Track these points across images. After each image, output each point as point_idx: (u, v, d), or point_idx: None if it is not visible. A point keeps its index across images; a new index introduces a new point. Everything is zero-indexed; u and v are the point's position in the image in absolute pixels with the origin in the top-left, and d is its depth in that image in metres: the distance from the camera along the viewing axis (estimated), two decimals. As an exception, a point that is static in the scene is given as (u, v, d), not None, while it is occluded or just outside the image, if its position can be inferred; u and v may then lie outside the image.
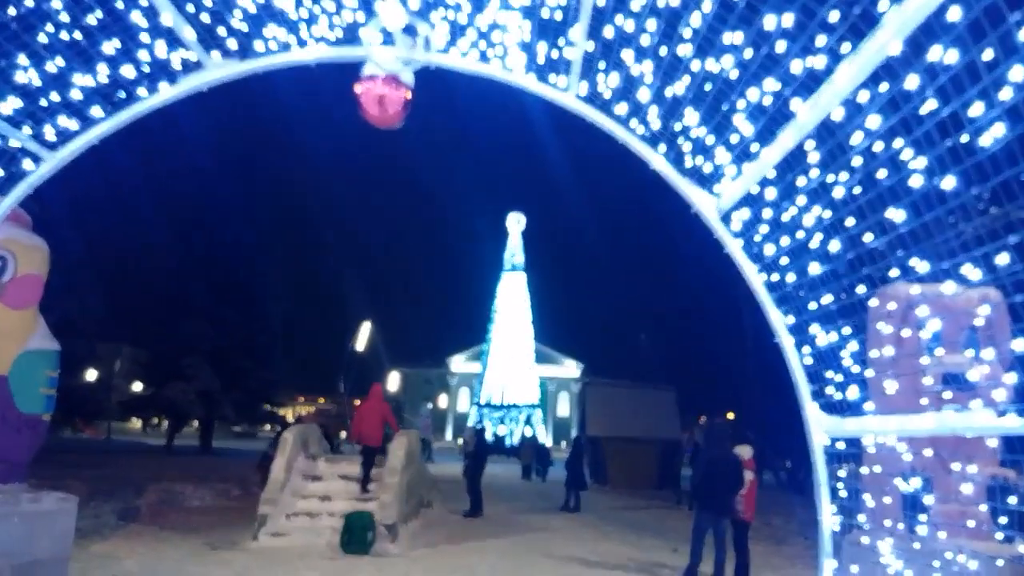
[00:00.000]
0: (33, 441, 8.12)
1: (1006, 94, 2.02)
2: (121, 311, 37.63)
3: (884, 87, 2.38)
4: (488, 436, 27.07)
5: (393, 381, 68.89)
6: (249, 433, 59.31)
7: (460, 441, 36.99)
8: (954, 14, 2.02)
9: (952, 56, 2.12)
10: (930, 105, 2.26)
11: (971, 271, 2.29)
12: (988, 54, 2.02)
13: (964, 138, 2.17)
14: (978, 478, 4.32)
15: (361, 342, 39.21)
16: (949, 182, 2.27)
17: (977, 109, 2.13)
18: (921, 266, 2.48)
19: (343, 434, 19.37)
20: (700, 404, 38.84)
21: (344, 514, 12.51)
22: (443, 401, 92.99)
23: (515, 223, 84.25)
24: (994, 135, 2.08)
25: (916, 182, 2.39)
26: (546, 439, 58.45)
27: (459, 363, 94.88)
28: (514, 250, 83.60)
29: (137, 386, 45.19)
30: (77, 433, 40.92)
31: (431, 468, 20.19)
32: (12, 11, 2.90)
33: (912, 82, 2.28)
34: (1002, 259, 2.11)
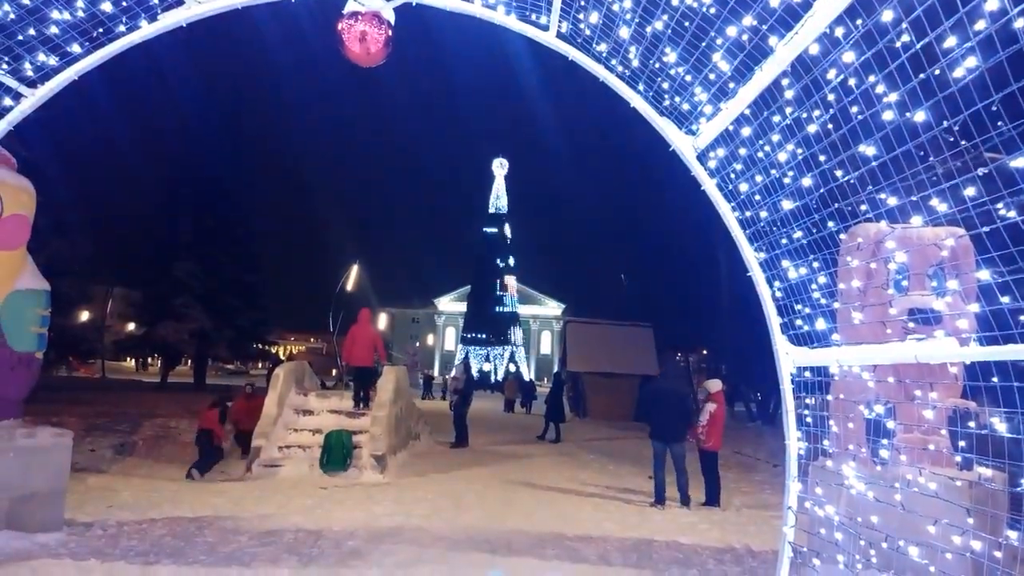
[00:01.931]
0: (27, 379, 8.21)
1: (980, 25, 2.05)
2: (112, 252, 37.54)
3: (860, 21, 2.41)
4: (474, 372, 27.53)
5: (381, 321, 69.40)
6: (241, 371, 59.98)
7: (451, 376, 37.61)
8: None
9: None
10: (904, 38, 2.30)
11: (939, 204, 2.38)
12: None
13: (936, 72, 2.21)
14: (940, 407, 4.51)
15: (350, 283, 39.40)
16: (920, 116, 2.33)
17: (951, 42, 2.17)
18: (890, 200, 2.56)
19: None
20: (677, 341, 39.55)
21: (326, 432, 13.04)
22: (430, 340, 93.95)
23: (499, 168, 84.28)
24: (967, 67, 2.12)
25: (888, 116, 2.44)
26: (529, 375, 59.46)
27: (446, 303, 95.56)
28: (498, 193, 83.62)
29: (130, 326, 45.34)
30: (71, 372, 41.18)
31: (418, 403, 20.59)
32: (-16, -57, 2.85)
33: (887, 15, 2.31)
34: (969, 192, 2.18)
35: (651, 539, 9.09)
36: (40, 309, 8.37)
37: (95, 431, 15.35)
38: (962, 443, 2.89)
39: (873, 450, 4.73)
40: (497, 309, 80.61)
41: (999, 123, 1.98)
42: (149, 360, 57.18)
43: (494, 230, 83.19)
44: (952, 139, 2.21)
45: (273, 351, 51.06)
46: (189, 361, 43.94)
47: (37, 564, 6.74)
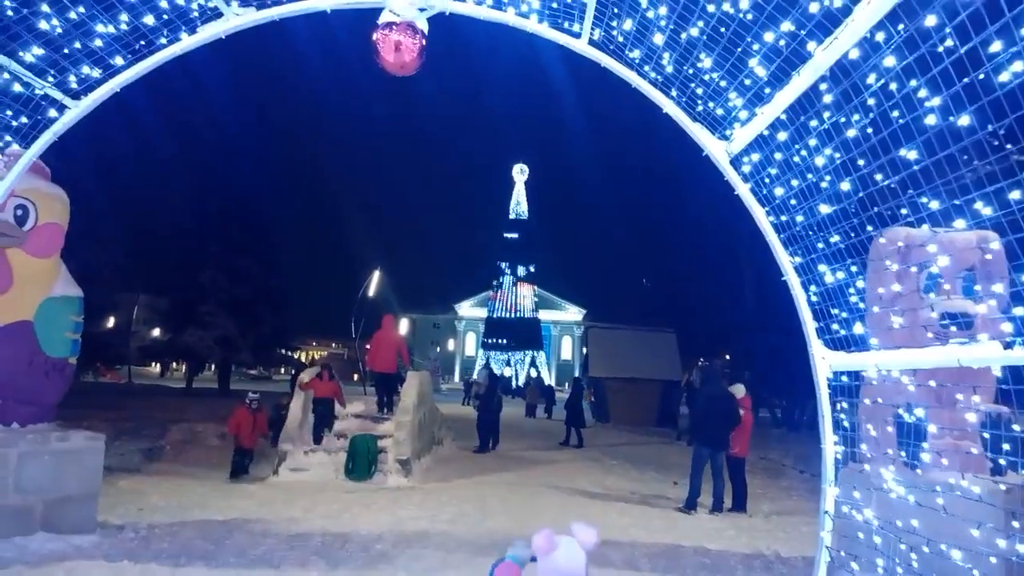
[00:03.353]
0: (60, 384, 8.38)
1: None
2: (139, 260, 38.06)
3: (901, 26, 2.41)
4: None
5: (403, 326, 69.75)
6: (265, 376, 60.48)
7: (473, 380, 37.80)
8: None
9: None
10: (947, 43, 2.29)
11: (983, 208, 2.36)
12: None
13: (981, 76, 2.21)
14: (975, 411, 4.47)
15: (372, 289, 39.66)
16: (964, 120, 2.32)
17: (996, 46, 2.17)
18: (932, 204, 2.55)
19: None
20: (701, 347, 39.40)
21: (351, 436, 13.12)
22: (451, 345, 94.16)
23: (519, 174, 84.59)
24: (1013, 71, 2.12)
25: (931, 121, 2.44)
26: (550, 381, 59.44)
27: (466, 309, 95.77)
28: (518, 199, 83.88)
29: (155, 332, 45.96)
30: (98, 378, 41.78)
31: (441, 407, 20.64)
32: (35, -40, 2.95)
33: (931, 20, 2.31)
34: (1015, 195, 2.17)
35: (678, 544, 9.05)
36: (74, 315, 8.54)
37: (124, 435, 15.57)
38: (1006, 446, 2.86)
39: (909, 454, 4.71)
40: (517, 315, 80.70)
41: None
42: (174, 365, 57.80)
43: (514, 236, 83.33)
44: (996, 143, 2.21)
45: (296, 356, 51.48)
46: (213, 367, 44.37)
47: (72, 565, 6.86)
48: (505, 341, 79.75)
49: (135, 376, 49.11)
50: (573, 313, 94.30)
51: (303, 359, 58.52)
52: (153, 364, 58.85)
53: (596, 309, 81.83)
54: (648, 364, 32.05)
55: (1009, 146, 2.14)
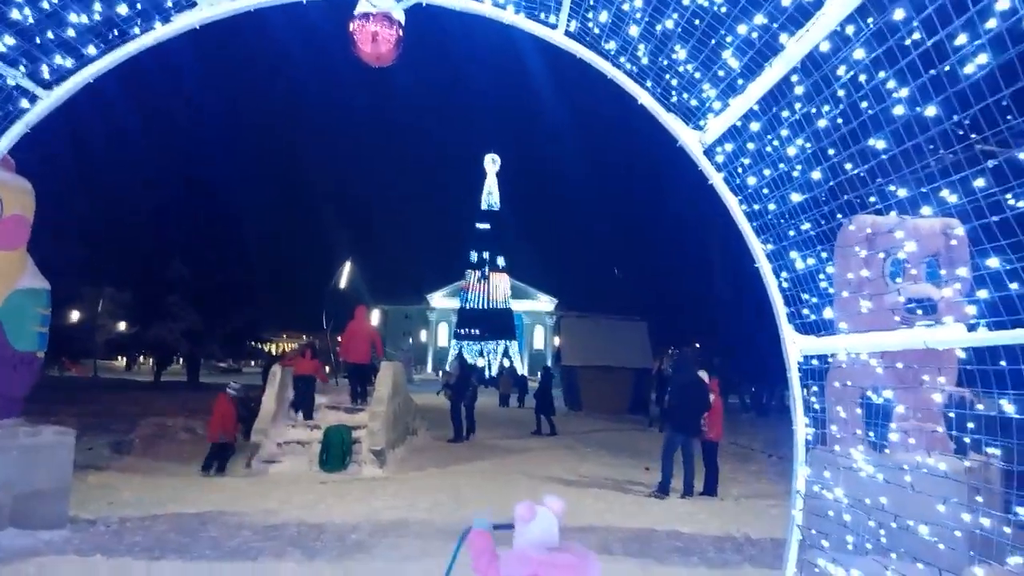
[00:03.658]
0: (28, 378, 8.24)
1: (992, 23, 2.14)
2: (102, 252, 37.35)
3: (871, 20, 2.48)
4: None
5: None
6: (235, 368, 59.82)
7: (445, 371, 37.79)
8: None
9: None
10: (915, 36, 2.38)
11: (948, 196, 2.46)
12: None
13: (947, 68, 2.29)
14: (938, 393, 4.62)
15: (343, 280, 39.40)
16: (930, 111, 2.41)
17: (961, 39, 2.26)
18: (900, 192, 2.64)
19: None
20: (672, 335, 39.81)
21: (325, 428, 13.07)
22: (423, 336, 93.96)
23: (491, 164, 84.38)
24: (978, 63, 2.21)
25: (898, 111, 2.53)
26: (523, 370, 59.60)
27: (438, 299, 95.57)
28: (490, 190, 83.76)
29: (121, 325, 45.20)
30: (63, 372, 41.08)
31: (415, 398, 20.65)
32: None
33: (899, 14, 2.39)
34: (979, 183, 2.27)
35: (652, 529, 9.19)
36: (41, 308, 8.39)
37: (92, 430, 15.33)
38: (970, 424, 2.98)
39: (877, 435, 4.86)
40: (489, 305, 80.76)
41: (1008, 117, 2.08)
42: (141, 359, 56.91)
43: (486, 226, 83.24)
44: (962, 132, 2.30)
45: (266, 349, 51.06)
46: (181, 360, 43.87)
47: (43, 561, 6.79)
48: (478, 331, 79.79)
49: (101, 370, 48.37)
50: (545, 303, 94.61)
51: (274, 351, 57.98)
52: (119, 358, 57.83)
53: (568, 299, 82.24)
54: (620, 352, 32.36)
55: (974, 135, 2.23)
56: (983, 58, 2.19)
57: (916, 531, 2.58)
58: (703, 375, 12.24)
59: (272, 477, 12.10)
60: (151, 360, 48.17)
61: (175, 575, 6.56)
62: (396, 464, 13.50)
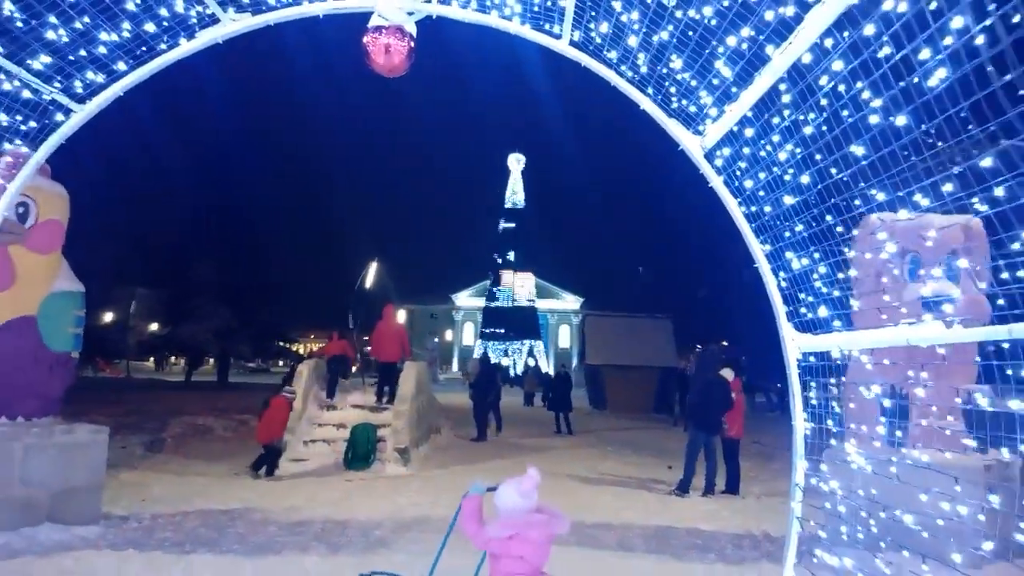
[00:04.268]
0: (64, 378, 8.56)
1: (948, 40, 2.25)
2: (134, 254, 38.17)
3: (846, 34, 2.60)
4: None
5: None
6: (263, 368, 60.55)
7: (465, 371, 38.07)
8: None
9: (903, 6, 2.36)
10: (885, 50, 2.50)
11: (921, 200, 2.57)
12: (933, 4, 2.25)
13: (915, 80, 2.40)
14: (954, 391, 4.67)
15: (369, 280, 39.85)
16: (901, 120, 2.52)
17: (925, 54, 2.37)
18: (879, 196, 2.75)
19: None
20: (698, 333, 39.66)
21: (352, 426, 13.27)
22: (449, 335, 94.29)
23: (515, 163, 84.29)
24: (939, 76, 2.32)
25: (874, 120, 2.64)
26: (548, 369, 59.61)
27: (464, 299, 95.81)
28: (514, 189, 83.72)
29: (153, 326, 46.08)
30: (97, 373, 41.94)
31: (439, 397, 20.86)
32: (41, -26, 3.12)
33: (870, 29, 2.51)
34: (947, 187, 2.38)
35: (671, 526, 9.25)
36: (76, 310, 8.71)
37: (125, 429, 15.71)
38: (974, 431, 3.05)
39: (893, 432, 4.93)
40: (514, 304, 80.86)
41: (969, 127, 2.18)
42: (173, 359, 57.91)
43: (511, 225, 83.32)
44: (931, 140, 2.40)
45: (294, 349, 51.71)
46: (211, 360, 44.59)
47: (79, 555, 7.04)
48: (503, 331, 79.93)
49: (133, 371, 49.31)
50: (571, 302, 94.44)
51: (301, 351, 58.67)
52: (150, 360, 58.91)
53: (594, 297, 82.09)
54: (644, 351, 32.23)
55: (940, 144, 2.33)
56: (942, 72, 2.29)
57: (931, 526, 2.67)
58: (728, 373, 12.25)
59: (299, 475, 12.34)
60: (182, 361, 49.04)
61: (204, 569, 6.76)
62: (420, 462, 13.69)
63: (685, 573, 7.36)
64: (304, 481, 11.86)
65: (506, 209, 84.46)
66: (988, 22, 2.04)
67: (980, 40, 2.10)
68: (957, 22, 2.19)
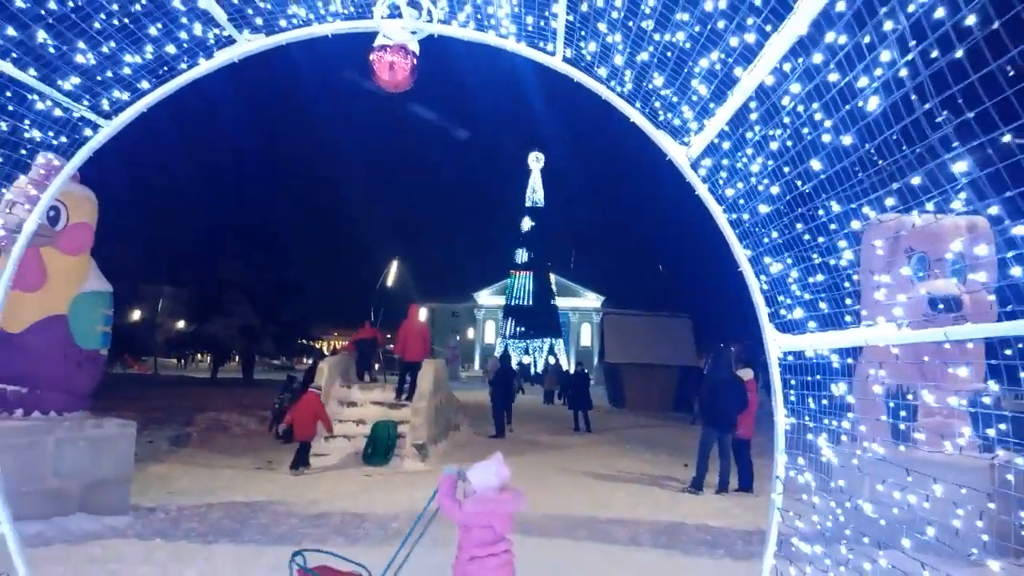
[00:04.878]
0: (93, 374, 8.92)
1: (879, 71, 2.45)
2: (161, 253, 38.97)
3: (800, 61, 2.79)
4: (513, 365, 27.97)
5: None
6: (287, 366, 61.30)
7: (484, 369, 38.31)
8: (841, 6, 2.46)
9: (842, 39, 2.55)
10: (832, 76, 2.69)
11: (870, 213, 2.76)
12: (866, 39, 2.44)
13: (858, 103, 2.59)
14: (961, 393, 4.80)
15: (391, 279, 40.26)
16: (847, 139, 2.72)
17: (863, 81, 2.56)
18: (835, 207, 2.94)
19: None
20: (721, 331, 39.50)
21: (373, 423, 13.58)
22: (470, 333, 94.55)
23: (535, 161, 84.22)
24: (875, 102, 2.51)
25: (827, 138, 2.83)
26: (569, 367, 59.68)
27: (485, 297, 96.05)
28: (534, 187, 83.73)
29: (179, 323, 46.93)
30: (126, 369, 42.84)
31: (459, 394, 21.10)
32: (71, 4, 3.39)
33: (818, 58, 2.70)
34: (889, 201, 2.57)
35: (682, 522, 9.41)
36: (105, 309, 9.07)
37: (152, 424, 16.18)
38: (1002, 427, 3.21)
39: (895, 431, 5.09)
40: (535, 302, 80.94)
41: (903, 148, 2.36)
42: (199, 356, 58.85)
43: (531, 223, 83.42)
44: (874, 158, 2.58)
45: (317, 346, 52.33)
46: (236, 357, 45.32)
47: (109, 543, 7.38)
48: (523, 329, 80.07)
49: (160, 367, 50.27)
50: (592, 300, 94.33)
51: (324, 349, 59.31)
52: (176, 358, 59.86)
53: (615, 295, 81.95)
54: (664, 350, 32.25)
55: (880, 161, 2.51)
56: (875, 100, 2.48)
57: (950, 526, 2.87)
58: (746, 373, 12.32)
59: (318, 470, 12.66)
60: (207, 358, 49.84)
61: (227, 558, 7.06)
62: (438, 458, 13.95)
63: (693, 567, 7.52)
64: (324, 475, 12.18)
65: (526, 208, 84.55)
66: (909, 56, 2.23)
67: (905, 72, 2.29)
68: (885, 55, 2.38)
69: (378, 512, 9.32)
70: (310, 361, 47.35)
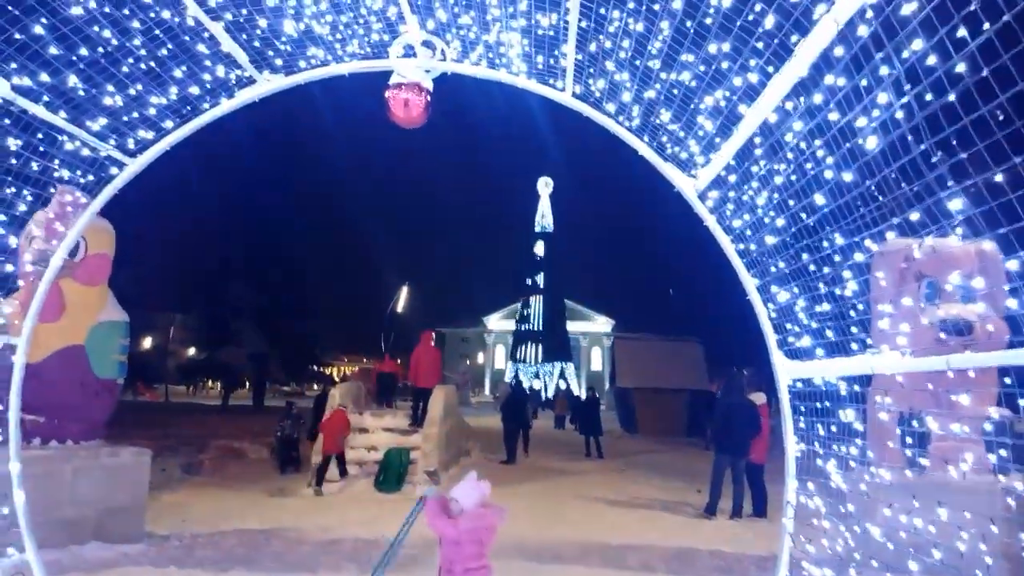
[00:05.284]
0: (109, 403, 9.02)
1: (876, 112, 2.55)
2: (171, 281, 39.30)
3: (802, 100, 2.90)
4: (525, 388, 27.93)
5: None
6: (297, 392, 61.39)
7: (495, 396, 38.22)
8: (839, 51, 2.56)
9: (841, 81, 2.66)
10: (832, 116, 2.79)
11: (872, 245, 2.85)
12: (864, 82, 2.55)
13: (859, 142, 2.69)
14: (975, 416, 4.84)
15: (400, 304, 40.43)
16: (848, 176, 2.81)
17: (861, 121, 2.67)
18: (838, 240, 3.03)
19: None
20: (729, 355, 39.34)
21: (386, 450, 13.65)
22: (480, 358, 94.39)
23: (544, 187, 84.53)
24: (873, 142, 2.61)
25: (829, 174, 2.92)
26: (580, 392, 59.38)
27: (495, 321, 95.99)
28: (543, 212, 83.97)
29: (190, 351, 47.17)
30: (137, 397, 42.98)
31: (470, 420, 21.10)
32: (101, 50, 3.55)
33: (818, 98, 2.81)
34: (890, 235, 2.67)
35: (695, 548, 9.34)
36: (121, 338, 9.19)
37: (165, 452, 16.22)
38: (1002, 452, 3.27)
39: (911, 458, 5.14)
40: (545, 327, 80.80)
41: (902, 184, 2.45)
42: (209, 383, 59.06)
43: (541, 248, 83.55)
44: (874, 194, 2.67)
45: (327, 372, 52.45)
46: (247, 383, 45.49)
47: (123, 571, 7.42)
48: (534, 353, 79.89)
49: (171, 395, 50.43)
50: (602, 323, 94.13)
51: (335, 375, 59.36)
52: (187, 386, 60.04)
53: (625, 320, 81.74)
54: (675, 374, 32.07)
55: (881, 197, 2.60)
56: (872, 140, 2.58)
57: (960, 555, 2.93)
58: (759, 397, 12.28)
59: (331, 496, 12.68)
60: (217, 384, 50.05)
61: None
62: (449, 484, 13.90)
63: (705, 593, 7.50)
64: (337, 501, 12.20)
65: (536, 232, 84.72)
66: (905, 99, 2.32)
67: (902, 114, 2.39)
68: (882, 98, 2.48)
69: (390, 538, 9.29)
70: (320, 387, 47.47)
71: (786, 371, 3.53)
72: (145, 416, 26.69)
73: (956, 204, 2.25)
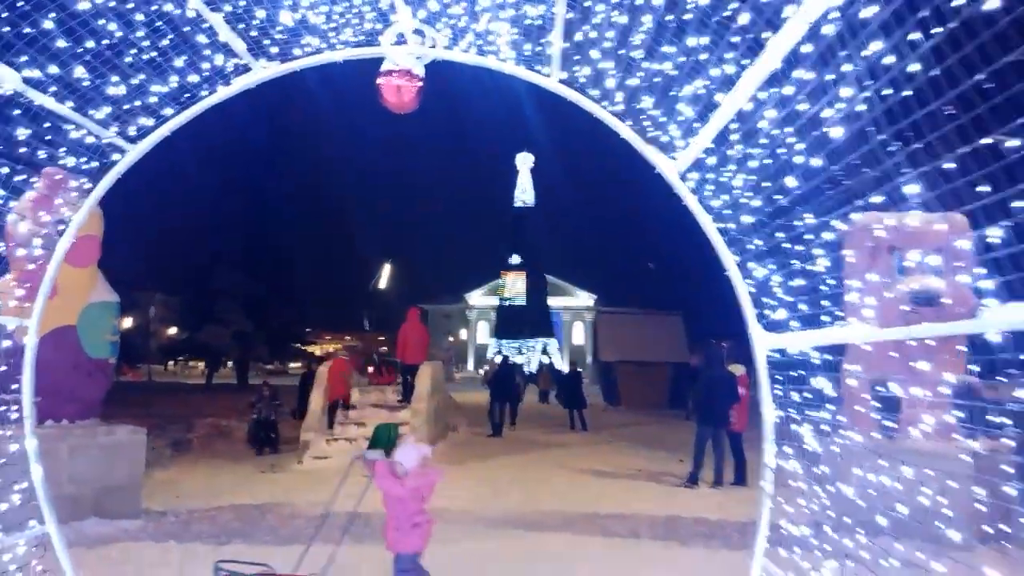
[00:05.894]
0: (103, 382, 9.15)
1: (841, 105, 2.76)
2: (152, 260, 39.08)
3: (774, 90, 3.09)
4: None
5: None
6: (281, 370, 61.35)
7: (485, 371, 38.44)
8: (807, 48, 2.77)
9: (810, 75, 2.86)
10: (802, 105, 3.00)
11: (840, 225, 3.08)
12: (830, 76, 2.75)
13: (826, 130, 2.90)
14: (944, 383, 5.12)
15: (383, 282, 40.45)
16: (817, 161, 3.02)
17: (828, 112, 2.88)
18: (810, 220, 3.25)
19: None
20: (711, 328, 39.81)
21: (376, 425, 13.83)
22: (463, 335, 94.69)
23: (523, 162, 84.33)
24: (838, 132, 2.82)
25: (799, 160, 3.13)
26: (563, 366, 59.84)
27: (477, 297, 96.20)
28: (524, 187, 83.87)
29: (172, 330, 47.02)
30: (120, 376, 42.84)
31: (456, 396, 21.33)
32: (106, 42, 3.67)
33: (789, 89, 3.01)
34: (857, 216, 2.88)
35: (678, 515, 9.66)
36: (112, 318, 9.30)
37: (153, 431, 16.30)
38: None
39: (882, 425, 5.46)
40: (527, 302, 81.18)
41: (864, 169, 2.67)
42: (192, 362, 58.97)
43: (521, 223, 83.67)
44: (841, 178, 2.87)
45: (309, 350, 52.52)
46: (229, 363, 45.49)
47: (124, 546, 7.61)
48: (516, 329, 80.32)
49: (154, 374, 50.33)
50: (584, 298, 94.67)
51: (317, 353, 59.34)
52: (169, 364, 59.78)
53: (606, 294, 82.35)
54: (657, 347, 32.52)
55: (846, 181, 2.81)
56: (839, 130, 2.78)
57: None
58: (738, 368, 12.61)
59: (322, 472, 12.88)
60: (200, 364, 50.01)
61: (240, 558, 7.27)
62: (437, 458, 14.16)
63: (689, 557, 7.78)
64: (326, 477, 12.39)
65: (516, 208, 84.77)
66: (867, 93, 2.53)
67: (863, 107, 2.59)
68: (846, 91, 2.68)
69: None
70: (303, 365, 47.55)
71: (763, 342, 3.75)
72: (129, 396, 26.70)
73: (913, 188, 2.46)
